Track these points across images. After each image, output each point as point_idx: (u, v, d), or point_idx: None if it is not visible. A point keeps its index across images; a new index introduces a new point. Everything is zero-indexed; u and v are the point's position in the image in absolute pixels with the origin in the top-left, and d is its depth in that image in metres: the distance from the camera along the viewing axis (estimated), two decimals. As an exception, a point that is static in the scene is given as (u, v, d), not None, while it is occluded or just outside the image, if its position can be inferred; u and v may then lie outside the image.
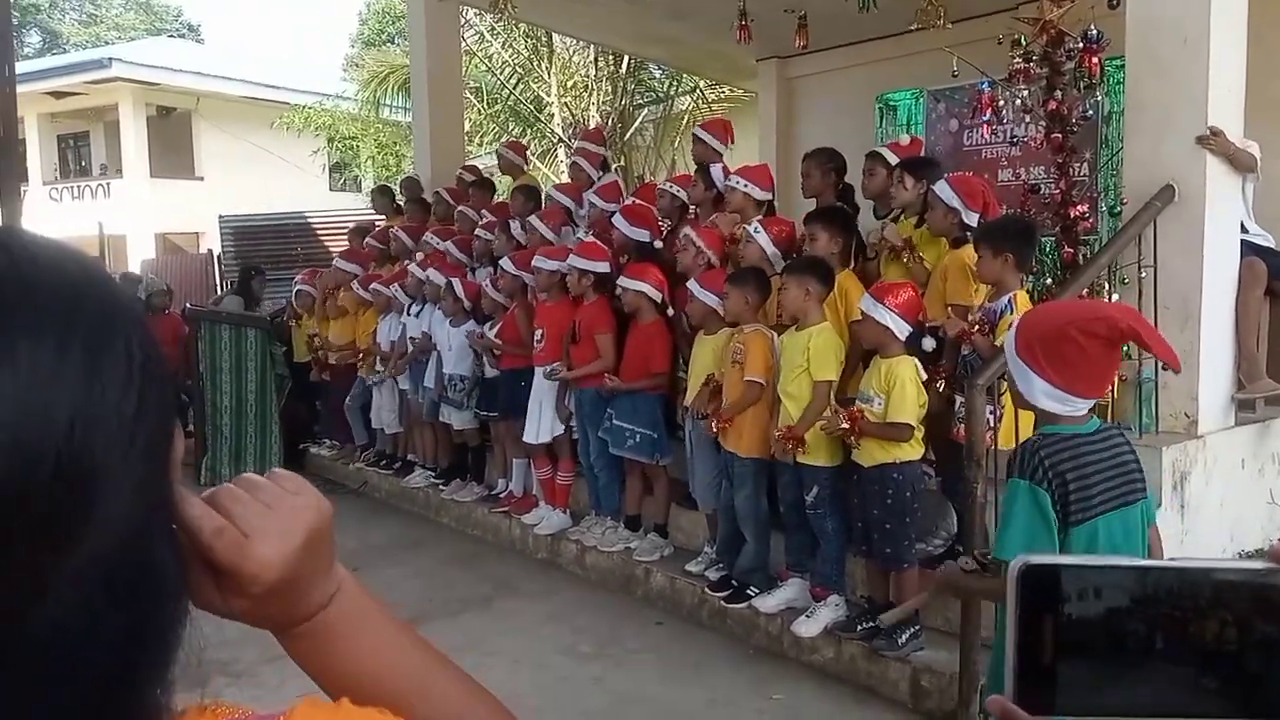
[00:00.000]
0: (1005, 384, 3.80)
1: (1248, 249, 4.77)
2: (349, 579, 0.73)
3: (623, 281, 5.27)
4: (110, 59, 20.99)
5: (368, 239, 8.23)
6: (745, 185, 5.24)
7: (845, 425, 3.98)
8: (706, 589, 4.81)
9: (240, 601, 0.67)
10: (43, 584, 0.48)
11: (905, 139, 5.36)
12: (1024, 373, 2.11)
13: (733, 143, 6.15)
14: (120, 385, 0.51)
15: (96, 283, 0.53)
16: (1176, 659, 0.62)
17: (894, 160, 4.96)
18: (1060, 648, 0.63)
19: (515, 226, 6.64)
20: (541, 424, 5.77)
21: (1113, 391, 4.37)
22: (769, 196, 5.34)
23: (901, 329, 3.92)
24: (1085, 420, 2.16)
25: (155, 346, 0.55)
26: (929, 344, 4.09)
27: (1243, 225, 4.81)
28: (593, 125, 13.66)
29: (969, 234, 4.22)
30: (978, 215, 4.20)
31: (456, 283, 6.57)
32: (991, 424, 3.75)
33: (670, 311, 5.29)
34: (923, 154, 5.43)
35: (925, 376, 3.97)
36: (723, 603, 4.69)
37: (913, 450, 3.96)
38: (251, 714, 0.65)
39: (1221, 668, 0.61)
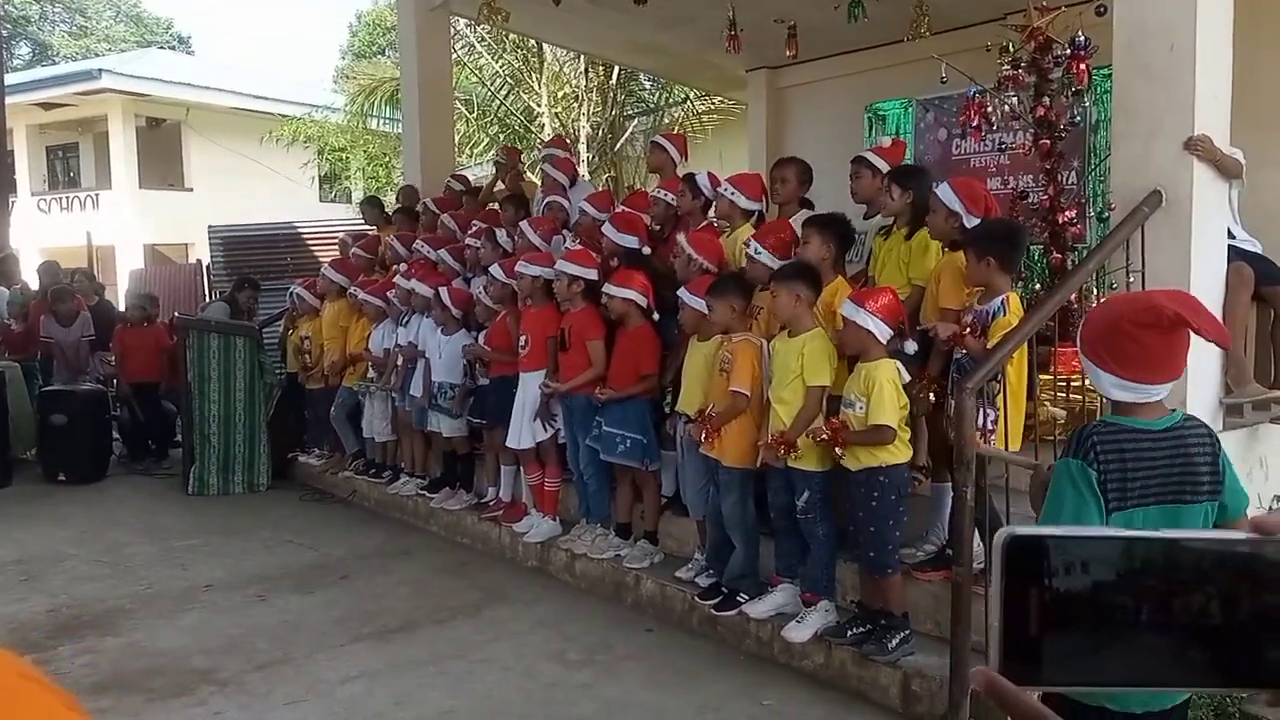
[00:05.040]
0: (998, 386, 3.81)
1: (1234, 254, 4.79)
2: None
3: (609, 289, 5.26)
4: (100, 70, 21.00)
5: (354, 249, 8.21)
6: (732, 193, 5.27)
7: (826, 436, 3.98)
8: (696, 597, 4.80)
9: None
10: None
11: (886, 141, 5.38)
12: (1093, 371, 2.14)
13: (686, 159, 6.33)
14: None
15: None
16: (1161, 630, 0.62)
17: (879, 164, 4.98)
18: (1046, 620, 0.62)
19: (501, 234, 6.64)
20: (524, 429, 5.75)
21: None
22: (757, 207, 5.34)
23: (883, 333, 3.92)
24: (1157, 414, 2.14)
25: None
26: (911, 348, 4.09)
27: (1229, 231, 4.83)
28: (581, 136, 13.71)
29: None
30: (979, 219, 4.22)
31: (444, 291, 6.56)
32: (990, 427, 3.74)
33: (656, 316, 5.29)
34: (906, 157, 5.46)
35: (907, 379, 3.97)
36: (713, 611, 4.67)
37: (900, 453, 3.95)
38: None
39: (1204, 638, 0.61)
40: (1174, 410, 2.20)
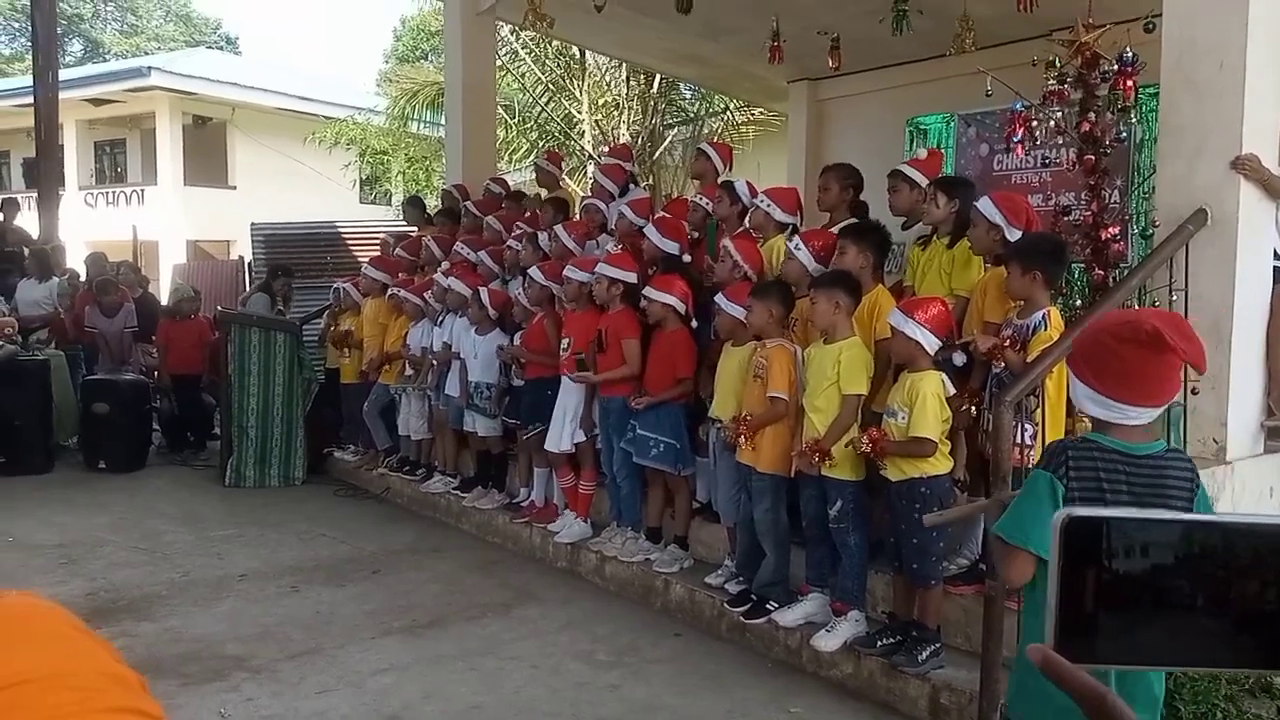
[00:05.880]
0: (1037, 401, 3.79)
1: (1280, 276, 4.74)
2: None
3: (648, 293, 5.28)
4: (149, 68, 21.37)
5: (398, 248, 8.30)
6: (769, 205, 5.28)
7: (866, 447, 3.97)
8: (726, 603, 4.80)
9: None
10: None
11: (923, 153, 5.37)
12: (1072, 380, 2.12)
13: (730, 169, 6.38)
14: None
15: None
16: (1217, 613, 0.63)
17: (917, 177, 4.97)
18: (1101, 599, 0.64)
19: (543, 238, 6.70)
20: (564, 432, 5.78)
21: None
22: (792, 220, 5.35)
23: (931, 343, 3.91)
24: (1137, 437, 2.07)
25: None
26: (959, 359, 4.08)
27: (1275, 252, 4.78)
28: (622, 143, 13.76)
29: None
30: (1020, 232, 4.20)
31: (484, 292, 6.62)
32: (1029, 442, 3.72)
33: (694, 324, 5.30)
34: (943, 168, 5.46)
35: (953, 391, 3.95)
36: (741, 618, 4.67)
37: (941, 464, 3.93)
38: None
39: (1261, 623, 0.63)
40: (1158, 439, 2.14)
